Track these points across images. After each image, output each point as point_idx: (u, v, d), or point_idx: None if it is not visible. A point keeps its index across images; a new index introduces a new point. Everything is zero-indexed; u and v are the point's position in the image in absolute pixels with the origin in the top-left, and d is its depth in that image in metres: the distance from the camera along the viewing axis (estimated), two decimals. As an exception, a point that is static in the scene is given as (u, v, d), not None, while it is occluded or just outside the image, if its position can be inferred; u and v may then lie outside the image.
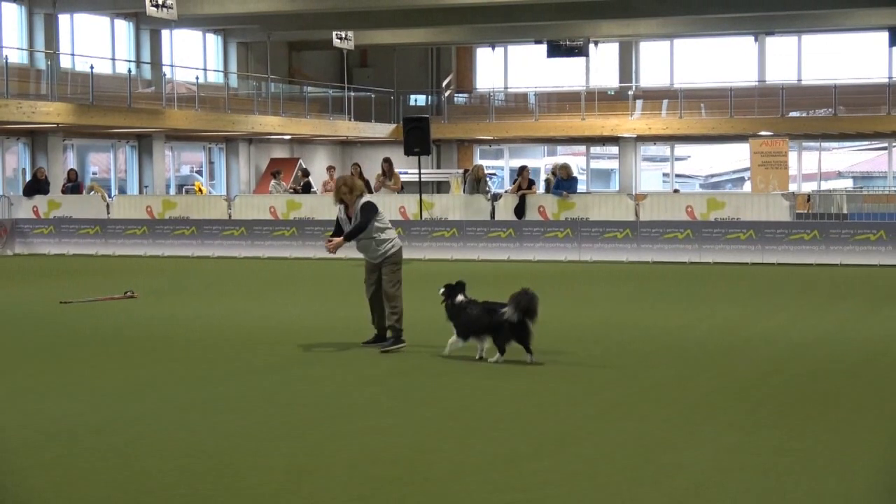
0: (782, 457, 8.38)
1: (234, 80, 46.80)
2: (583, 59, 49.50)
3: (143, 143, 41.27)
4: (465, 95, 53.96)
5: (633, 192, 36.26)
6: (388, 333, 13.54)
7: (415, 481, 7.80)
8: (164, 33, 43.17)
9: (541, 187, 33.67)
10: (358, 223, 13.43)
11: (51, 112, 33.45)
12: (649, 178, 51.12)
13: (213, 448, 8.68)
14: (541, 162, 51.01)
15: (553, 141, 50.95)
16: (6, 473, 8.05)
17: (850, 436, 9.06)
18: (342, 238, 13.53)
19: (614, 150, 50.20)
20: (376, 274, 13.65)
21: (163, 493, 7.56)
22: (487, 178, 32.20)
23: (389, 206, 28.06)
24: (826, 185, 46.39)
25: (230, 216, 30.06)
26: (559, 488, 7.61)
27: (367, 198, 13.61)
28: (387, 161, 30.03)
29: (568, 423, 9.52)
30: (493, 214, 28.70)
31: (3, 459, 8.41)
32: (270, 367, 12.42)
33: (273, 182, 34.81)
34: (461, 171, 45.04)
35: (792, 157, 43.85)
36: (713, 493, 7.51)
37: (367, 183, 30.02)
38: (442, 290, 13.01)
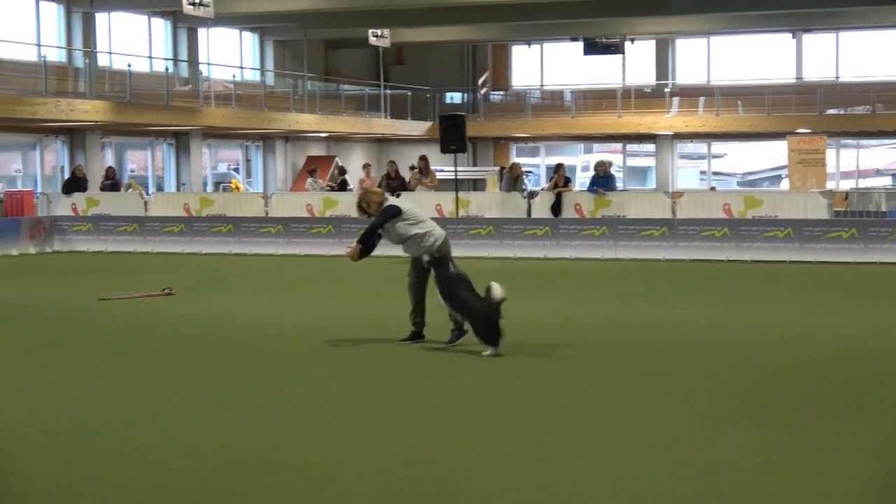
0: (805, 457, 8.32)
1: (270, 78, 46.95)
2: (619, 56, 49.33)
3: (181, 141, 41.45)
4: (501, 93, 53.92)
5: (670, 190, 36.10)
6: (452, 327, 13.47)
7: (441, 480, 7.79)
8: (201, 31, 43.37)
9: (578, 185, 33.59)
10: (369, 225, 13.49)
11: (89, 110, 33.64)
12: (686, 175, 50.96)
13: (239, 445, 8.70)
14: (577, 160, 50.95)
15: (589, 139, 50.90)
16: (30, 471, 8.10)
17: (880, 435, 9.01)
18: (356, 243, 13.55)
19: (651, 147, 50.09)
20: (418, 268, 13.63)
21: (188, 490, 7.59)
22: (524, 176, 32.16)
23: (426, 203, 28.07)
24: (864, 183, 46.12)
25: (267, 213, 30.14)
26: (588, 487, 7.59)
27: (390, 202, 13.59)
28: (423, 159, 30.05)
29: (598, 421, 9.49)
30: (529, 212, 28.66)
31: (27, 457, 8.47)
32: (300, 364, 12.45)
33: (309, 180, 34.90)
34: (497, 168, 45.03)
35: (830, 154, 43.61)
36: (747, 493, 7.46)
37: (402, 181, 30.10)
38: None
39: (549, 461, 8.22)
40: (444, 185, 32.87)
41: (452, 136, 29.09)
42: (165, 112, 36.48)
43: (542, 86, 53.01)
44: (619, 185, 39.76)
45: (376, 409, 10.05)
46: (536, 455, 8.37)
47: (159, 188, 40.34)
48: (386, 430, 9.20)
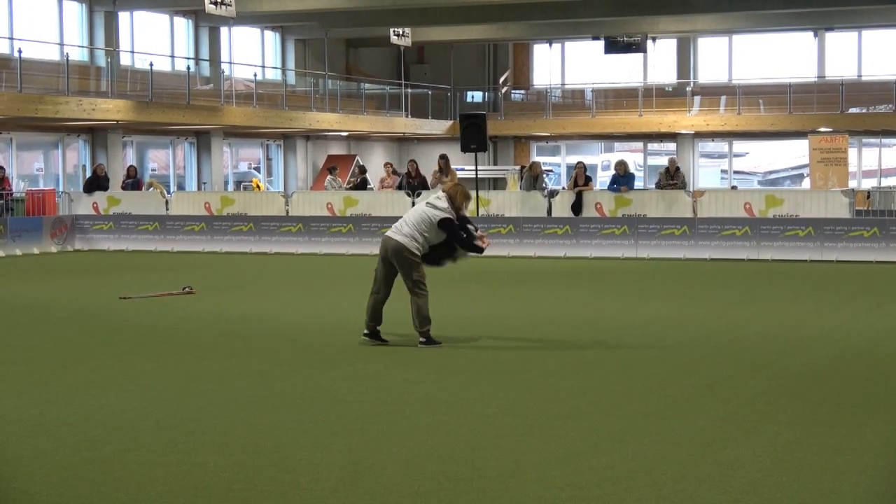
0: (841, 455, 8.30)
1: (291, 77, 47.02)
2: (640, 55, 49.24)
3: (202, 140, 41.56)
4: (522, 92, 53.88)
5: (691, 189, 36.02)
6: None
7: (471, 478, 7.79)
8: (223, 31, 43.47)
9: (599, 184, 33.47)
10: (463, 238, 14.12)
11: (110, 109, 33.74)
12: (707, 174, 50.84)
13: (270, 443, 8.72)
14: (598, 158, 50.87)
15: (610, 137, 50.80)
16: (67, 468, 8.13)
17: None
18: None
19: (672, 146, 49.96)
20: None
21: (221, 488, 7.60)
22: (544, 175, 32.13)
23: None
24: (886, 182, 45.94)
25: (287, 212, 30.20)
26: (616, 485, 7.59)
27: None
28: (443, 158, 30.05)
29: (625, 421, 9.49)
30: (549, 211, 28.66)
31: (64, 454, 8.49)
32: (327, 362, 12.46)
33: (329, 178, 34.94)
34: (518, 167, 45.00)
35: (851, 153, 43.48)
36: (771, 491, 7.45)
37: (423, 180, 30.11)
38: None
39: (574, 460, 8.22)
40: (464, 184, 32.82)
41: (473, 134, 29.12)
42: (187, 111, 36.58)
43: (563, 85, 52.94)
44: (639, 184, 39.74)
45: (404, 408, 10.05)
46: (562, 454, 8.38)
47: (180, 187, 40.44)
48: (414, 429, 9.21)
